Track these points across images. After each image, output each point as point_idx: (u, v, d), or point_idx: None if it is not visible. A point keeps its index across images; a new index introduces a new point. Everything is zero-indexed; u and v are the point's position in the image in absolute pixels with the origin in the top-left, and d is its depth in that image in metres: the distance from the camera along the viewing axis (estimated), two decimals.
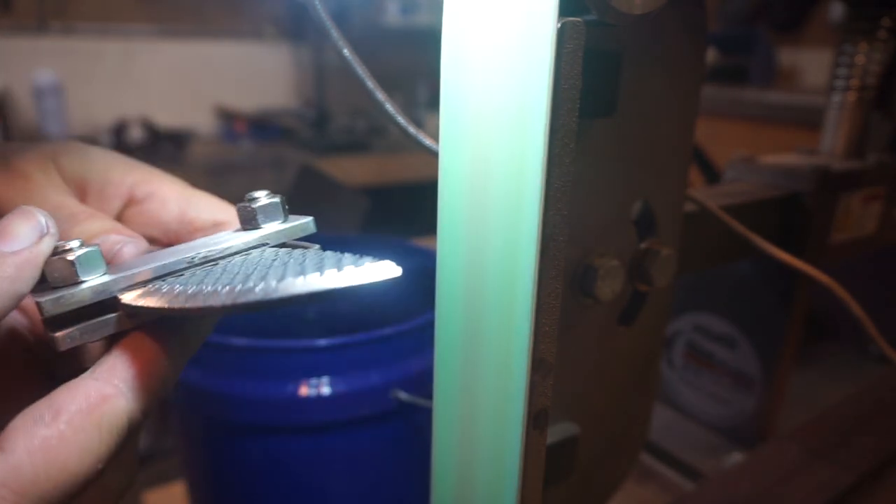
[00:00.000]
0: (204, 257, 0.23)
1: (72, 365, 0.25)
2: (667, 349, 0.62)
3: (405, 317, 0.50)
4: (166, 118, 2.12)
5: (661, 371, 0.61)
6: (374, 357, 0.50)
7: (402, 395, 0.49)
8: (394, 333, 0.49)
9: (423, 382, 0.51)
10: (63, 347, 0.21)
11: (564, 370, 0.34)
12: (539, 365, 0.27)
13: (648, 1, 0.26)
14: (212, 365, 0.49)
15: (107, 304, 0.21)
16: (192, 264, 0.23)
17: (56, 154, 0.27)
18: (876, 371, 0.73)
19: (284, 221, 0.25)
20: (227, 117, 2.23)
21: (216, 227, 0.27)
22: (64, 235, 0.23)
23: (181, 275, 0.22)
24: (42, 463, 0.18)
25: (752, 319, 0.54)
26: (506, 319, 0.25)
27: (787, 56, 2.12)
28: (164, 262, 0.22)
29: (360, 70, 0.31)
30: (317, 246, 0.25)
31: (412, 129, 0.33)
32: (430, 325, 0.27)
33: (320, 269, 0.19)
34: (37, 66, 1.97)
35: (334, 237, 0.70)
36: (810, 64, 2.10)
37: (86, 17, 2.06)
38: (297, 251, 0.23)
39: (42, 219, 0.21)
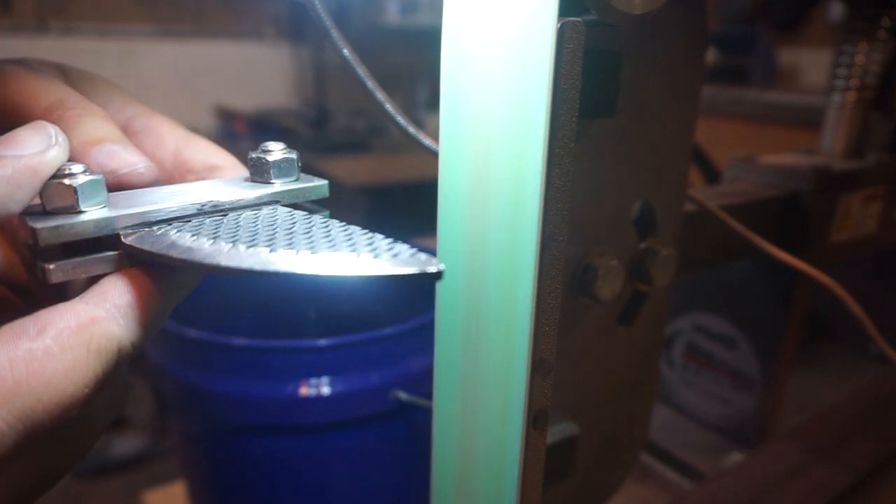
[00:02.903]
0: (214, 205, 0.22)
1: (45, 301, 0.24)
2: (667, 349, 0.62)
3: (405, 317, 0.50)
4: None
5: (660, 371, 0.61)
6: (374, 357, 0.49)
7: (402, 395, 0.49)
8: (394, 333, 0.49)
9: (423, 382, 0.51)
10: (54, 280, 0.20)
11: (564, 370, 0.34)
12: (539, 365, 0.27)
13: (648, 1, 0.26)
14: (212, 365, 0.49)
15: (105, 240, 0.20)
16: (202, 211, 0.21)
17: (61, 67, 0.27)
18: (876, 371, 0.73)
19: (297, 180, 0.24)
20: (227, 117, 2.23)
21: (210, 170, 0.27)
22: (72, 125, 0.22)
23: (188, 220, 0.21)
24: (24, 373, 0.17)
25: (752, 319, 0.54)
26: (506, 319, 0.25)
27: (787, 56, 2.12)
28: (172, 205, 0.21)
29: (360, 70, 0.31)
30: (327, 212, 0.24)
31: (412, 129, 0.33)
32: (430, 325, 0.27)
33: (354, 248, 0.18)
34: None
35: None
36: (810, 64, 2.10)
37: (86, 17, 2.06)
38: (317, 217, 0.21)
39: (52, 131, 0.20)
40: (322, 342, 0.48)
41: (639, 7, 0.25)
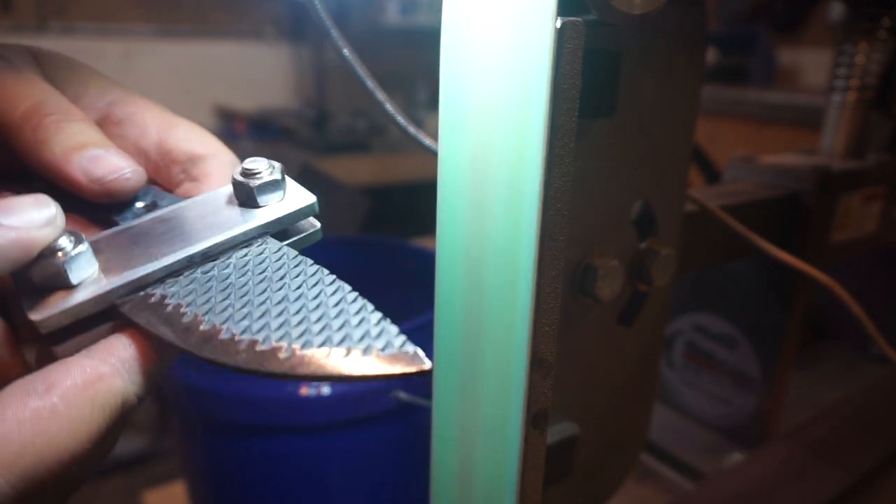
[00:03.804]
0: (204, 254, 0.22)
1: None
2: (667, 349, 0.62)
3: (405, 317, 0.50)
4: None
5: (660, 371, 0.61)
6: None
7: (402, 395, 0.49)
8: None
9: (423, 382, 0.51)
10: (62, 356, 0.20)
11: (564, 370, 0.34)
12: (539, 365, 0.27)
13: (648, 1, 0.26)
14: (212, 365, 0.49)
15: (104, 310, 0.21)
16: (193, 262, 0.22)
17: (35, 52, 0.26)
18: (876, 371, 0.73)
19: (284, 199, 0.24)
20: (227, 117, 2.23)
21: (192, 160, 0.26)
22: (53, 132, 0.22)
23: (181, 274, 0.21)
24: (30, 434, 0.17)
25: (752, 319, 0.54)
26: (506, 319, 0.25)
27: (787, 56, 2.12)
28: (162, 263, 0.21)
29: (360, 70, 0.31)
30: (318, 226, 0.25)
31: (412, 129, 0.33)
32: (429, 325, 0.27)
33: (344, 333, 0.18)
34: None
35: (334, 237, 0.70)
36: (810, 64, 2.10)
37: (86, 17, 2.06)
38: (307, 266, 0.22)
39: (54, 209, 0.20)
40: None
41: (639, 7, 0.25)
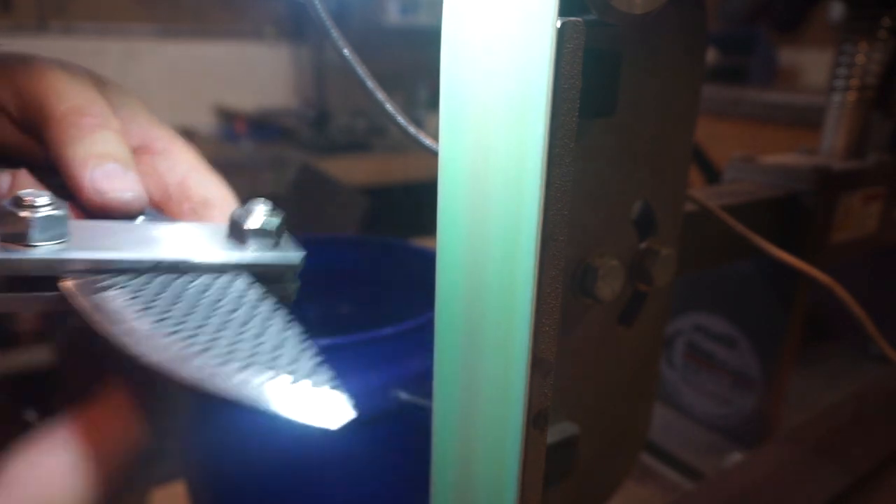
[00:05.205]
0: (171, 265, 0.21)
1: None
2: (667, 349, 0.62)
3: (405, 317, 0.50)
4: (166, 118, 2.11)
5: (661, 371, 0.61)
6: (374, 357, 0.49)
7: (402, 395, 0.49)
8: (394, 333, 0.49)
9: (423, 382, 0.50)
10: None
11: (564, 370, 0.34)
12: (539, 365, 0.27)
13: (648, 1, 0.26)
14: None
15: (49, 278, 0.20)
16: (158, 268, 0.21)
17: (94, 76, 0.27)
18: (876, 371, 0.73)
19: (272, 249, 0.23)
20: (227, 117, 2.23)
21: (203, 203, 0.27)
22: (84, 134, 0.23)
23: (139, 274, 0.21)
24: None
25: (752, 319, 0.54)
26: (506, 319, 0.25)
27: (787, 56, 2.12)
28: (127, 257, 0.21)
29: (360, 70, 0.31)
30: (294, 289, 0.24)
31: (412, 129, 0.33)
32: (430, 325, 0.27)
33: (273, 369, 0.18)
34: None
35: (334, 237, 0.70)
36: (810, 64, 2.11)
37: (86, 16, 2.06)
38: (266, 306, 0.21)
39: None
40: (322, 342, 0.48)
41: (639, 7, 0.25)
